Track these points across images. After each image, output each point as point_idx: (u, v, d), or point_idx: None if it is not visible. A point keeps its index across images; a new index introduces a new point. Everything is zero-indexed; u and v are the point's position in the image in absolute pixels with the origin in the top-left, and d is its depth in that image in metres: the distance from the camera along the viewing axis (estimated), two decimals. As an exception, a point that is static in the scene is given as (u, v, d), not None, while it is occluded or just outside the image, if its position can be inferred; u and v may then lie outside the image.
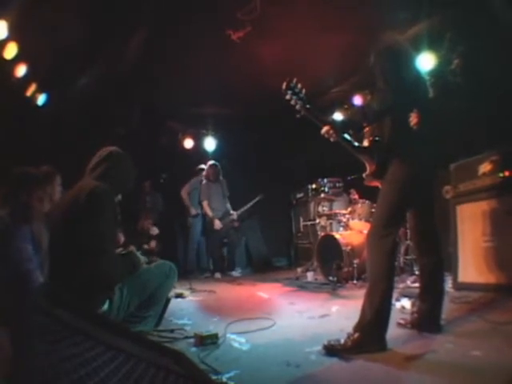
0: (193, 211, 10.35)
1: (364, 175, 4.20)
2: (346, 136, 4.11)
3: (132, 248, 3.98)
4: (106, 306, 3.50)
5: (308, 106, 4.01)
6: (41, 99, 7.99)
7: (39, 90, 7.88)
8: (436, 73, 6.78)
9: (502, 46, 5.97)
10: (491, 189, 5.40)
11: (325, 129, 4.03)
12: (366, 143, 4.19)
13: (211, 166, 10.15)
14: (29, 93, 7.69)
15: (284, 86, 4.00)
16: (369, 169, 4.14)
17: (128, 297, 3.64)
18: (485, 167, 5.49)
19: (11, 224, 3.90)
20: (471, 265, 5.57)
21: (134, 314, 3.73)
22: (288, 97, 4.01)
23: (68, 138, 7.98)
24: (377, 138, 4.07)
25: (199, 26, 6.94)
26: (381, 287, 3.66)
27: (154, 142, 10.44)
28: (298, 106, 4.00)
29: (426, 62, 7.10)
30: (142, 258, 3.96)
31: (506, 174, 5.23)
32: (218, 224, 9.82)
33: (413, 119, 3.88)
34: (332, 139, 4.05)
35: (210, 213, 9.92)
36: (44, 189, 4.25)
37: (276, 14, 6.74)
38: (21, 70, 7.15)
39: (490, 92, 6.17)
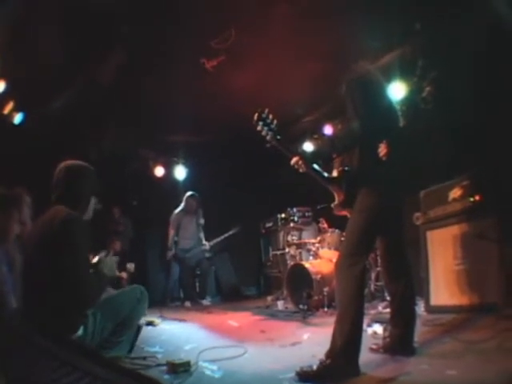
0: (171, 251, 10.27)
1: (333, 205, 4.26)
2: (315, 167, 4.16)
3: (101, 256, 3.94)
4: (80, 332, 3.46)
5: (278, 137, 4.06)
6: (17, 118, 7.81)
7: (16, 109, 7.72)
8: (407, 101, 6.88)
9: (473, 72, 6.10)
10: (462, 213, 5.51)
11: (294, 160, 4.09)
12: (335, 173, 4.24)
13: (193, 197, 10.13)
14: (6, 110, 7.54)
15: (255, 116, 4.05)
16: (337, 199, 4.21)
17: (101, 322, 3.61)
18: (455, 192, 5.62)
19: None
20: (443, 288, 5.65)
21: (107, 339, 3.68)
22: (259, 128, 4.04)
23: (41, 159, 7.86)
24: (346, 168, 4.13)
25: (173, 53, 6.96)
26: (351, 314, 3.68)
27: (124, 168, 10.39)
28: (268, 137, 4.05)
29: (397, 90, 7.19)
30: (113, 261, 3.95)
31: (477, 198, 5.34)
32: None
33: (382, 150, 3.95)
34: (301, 170, 4.11)
35: (181, 242, 9.92)
36: (17, 210, 4.23)
37: (249, 43, 6.79)
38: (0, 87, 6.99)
39: (460, 118, 6.30)
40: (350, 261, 3.79)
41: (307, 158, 4.11)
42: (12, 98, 7.46)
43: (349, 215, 4.10)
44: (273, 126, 4.03)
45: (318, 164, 4.18)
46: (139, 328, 4.21)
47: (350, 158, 4.08)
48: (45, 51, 6.24)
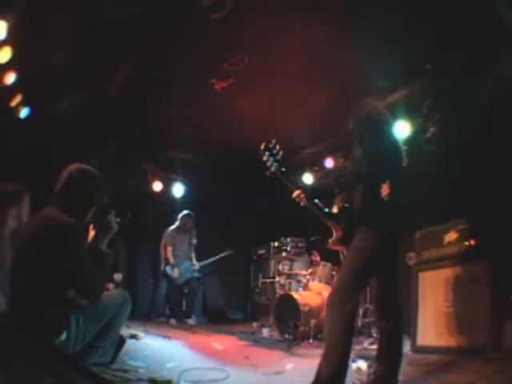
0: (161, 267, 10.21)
1: (330, 240, 4.27)
2: (316, 201, 4.18)
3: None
4: (64, 337, 3.43)
5: (283, 169, 4.10)
6: (24, 112, 7.65)
7: (24, 103, 7.57)
8: (411, 141, 6.92)
9: (478, 115, 6.17)
10: (456, 257, 5.54)
11: (296, 193, 4.13)
12: (335, 209, 4.26)
13: (189, 216, 10.16)
14: (13, 103, 7.41)
15: (262, 146, 4.10)
16: (335, 235, 4.22)
17: (84, 327, 3.58)
18: (451, 236, 5.65)
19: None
20: (431, 328, 5.64)
21: (90, 343, 3.65)
22: (265, 157, 4.09)
23: (43, 157, 7.81)
24: (346, 205, 4.15)
25: (184, 71, 7.01)
26: (339, 349, 3.69)
27: (123, 181, 10.36)
28: (273, 168, 4.09)
29: (401, 129, 7.21)
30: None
31: (472, 242, 5.38)
32: (176, 273, 9.75)
33: (384, 190, 3.97)
34: (302, 203, 4.14)
35: (171, 259, 9.84)
36: (14, 207, 4.21)
37: (260, 69, 6.86)
38: (10, 78, 6.85)
39: (462, 161, 6.35)
40: (342, 297, 3.81)
41: (309, 193, 4.14)
42: (21, 91, 7.34)
43: (345, 251, 4.12)
44: (278, 157, 4.08)
45: (318, 199, 4.21)
46: (123, 340, 4.18)
47: (351, 195, 4.11)
48: (58, 51, 6.22)
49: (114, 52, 6.67)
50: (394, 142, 4.23)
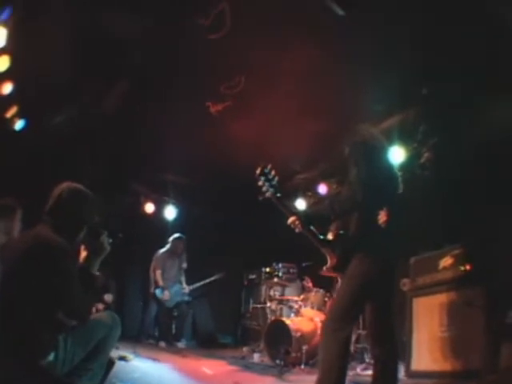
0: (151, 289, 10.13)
1: (324, 267, 4.24)
2: (311, 228, 4.17)
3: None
4: (51, 357, 3.36)
5: (278, 194, 4.11)
6: (19, 124, 7.49)
7: (19, 114, 7.42)
8: (405, 166, 6.93)
9: (473, 140, 6.20)
10: (450, 282, 5.53)
11: (291, 219, 4.13)
12: (330, 236, 4.25)
13: (180, 240, 10.12)
14: (9, 114, 7.27)
15: (258, 171, 4.11)
16: (330, 262, 4.21)
17: (73, 348, 3.49)
18: (446, 261, 5.65)
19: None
20: (426, 353, 5.62)
21: (78, 365, 3.57)
22: (261, 183, 4.10)
23: (36, 170, 7.73)
24: (341, 232, 4.14)
25: (179, 92, 7.01)
26: (333, 376, 3.67)
27: (114, 201, 10.30)
28: (268, 194, 4.10)
29: (396, 155, 7.20)
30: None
31: (467, 267, 5.37)
32: (166, 295, 9.68)
33: (382, 217, 3.96)
34: (297, 230, 4.13)
35: (161, 282, 9.77)
36: (5, 221, 4.16)
37: (256, 92, 6.86)
38: (7, 88, 6.70)
39: (457, 187, 6.37)
40: (337, 325, 3.80)
41: (304, 219, 4.13)
42: (17, 102, 7.23)
43: (339, 279, 4.10)
44: (274, 183, 4.10)
45: (313, 225, 4.19)
46: (112, 363, 4.10)
47: (347, 222, 4.10)
48: (56, 64, 6.19)
49: (111, 69, 6.66)
50: (389, 168, 4.24)
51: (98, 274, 3.79)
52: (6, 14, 5.74)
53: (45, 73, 6.32)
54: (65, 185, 3.78)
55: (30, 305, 3.30)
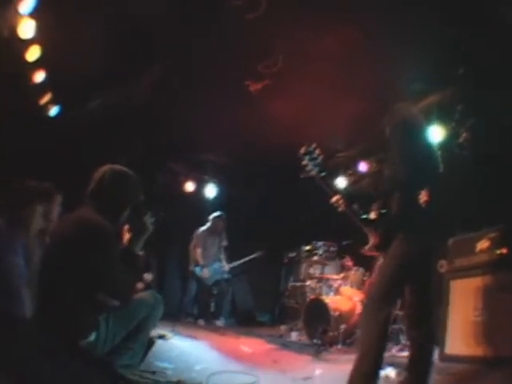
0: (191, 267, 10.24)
1: (366, 247, 4.23)
2: (354, 207, 4.16)
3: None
4: (92, 338, 3.44)
5: (323, 174, 4.08)
6: (53, 110, 7.62)
7: (53, 101, 7.53)
8: (443, 146, 6.83)
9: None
10: (487, 265, 5.42)
11: (335, 198, 4.12)
12: (372, 215, 4.22)
13: (220, 218, 10.19)
14: (43, 101, 7.36)
15: (302, 150, 4.10)
16: (372, 241, 4.19)
17: (114, 329, 3.57)
18: (482, 244, 5.54)
19: (7, 235, 3.90)
20: (459, 337, 5.55)
21: (119, 345, 3.65)
22: (305, 162, 4.08)
23: (73, 156, 7.84)
24: (383, 211, 4.11)
25: (217, 72, 7.03)
26: (371, 356, 3.67)
27: (154, 180, 10.40)
28: (313, 172, 4.08)
29: (435, 134, 7.10)
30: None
31: (504, 251, 5.27)
32: (206, 273, 9.79)
33: (423, 197, 3.92)
34: (340, 209, 4.12)
35: (200, 260, 9.88)
36: (43, 205, 4.23)
37: (294, 72, 6.84)
38: (39, 76, 6.81)
39: (495, 167, 6.27)
40: (378, 305, 3.80)
41: (347, 198, 4.11)
42: (50, 89, 7.32)
43: (381, 258, 4.08)
44: (319, 162, 4.08)
45: (355, 204, 4.18)
46: (152, 341, 4.18)
47: (388, 202, 4.07)
48: (87, 50, 6.23)
49: (146, 51, 6.69)
50: (429, 147, 4.18)
51: (140, 253, 3.85)
52: (32, 6, 5.79)
53: (76, 60, 6.35)
54: (106, 167, 3.83)
55: (72, 286, 3.39)
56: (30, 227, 4.10)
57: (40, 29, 6.06)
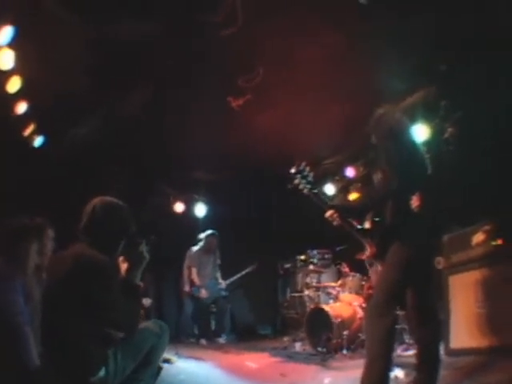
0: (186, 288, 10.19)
1: (364, 256, 4.30)
2: (349, 220, 4.20)
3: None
4: (102, 373, 3.40)
5: (315, 190, 4.14)
6: (38, 141, 7.54)
7: (37, 132, 7.46)
8: (429, 143, 6.88)
9: (497, 113, 6.14)
10: (485, 258, 5.51)
11: (329, 213, 4.14)
12: (367, 225, 4.27)
13: (214, 236, 10.12)
14: (26, 132, 7.29)
15: (293, 169, 4.17)
16: (369, 250, 4.27)
17: (123, 362, 3.52)
18: (478, 237, 5.62)
19: (5, 275, 3.87)
20: (463, 330, 5.63)
21: (130, 376, 3.61)
22: (297, 181, 4.14)
23: (60, 186, 7.80)
24: (377, 219, 4.15)
25: (200, 90, 7.04)
26: (380, 365, 3.71)
27: (144, 203, 10.36)
28: (305, 190, 4.14)
29: (420, 132, 7.14)
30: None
31: (499, 242, 5.37)
32: (203, 293, 9.73)
33: (415, 202, 3.97)
34: (335, 223, 4.15)
35: (197, 281, 9.83)
36: (37, 242, 4.21)
37: (276, 82, 6.86)
38: (21, 107, 6.76)
39: (483, 161, 6.32)
40: (381, 311, 3.83)
41: (341, 212, 4.15)
42: (33, 120, 7.27)
43: (380, 267, 4.12)
44: (310, 179, 4.13)
45: (349, 216, 4.23)
46: (160, 368, 4.14)
47: (382, 210, 4.11)
48: (70, 76, 6.24)
49: (130, 74, 6.70)
50: (417, 152, 4.22)
51: (140, 283, 3.81)
52: (11, 36, 5.78)
53: (58, 87, 6.35)
54: (97, 200, 3.75)
55: (77, 324, 3.33)
56: (26, 266, 4.07)
57: (19, 59, 6.02)
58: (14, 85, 6.36)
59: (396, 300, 3.95)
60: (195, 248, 10.19)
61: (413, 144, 4.22)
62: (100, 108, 7.38)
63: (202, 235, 10.24)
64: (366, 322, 3.96)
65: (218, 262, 10.26)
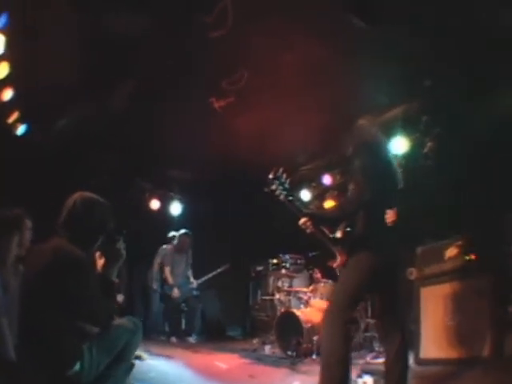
0: (154, 285, 10.19)
1: (335, 264, 4.34)
2: (322, 228, 4.26)
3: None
4: (77, 367, 3.41)
5: (291, 197, 4.19)
6: (21, 129, 7.45)
7: (21, 120, 7.39)
8: (407, 157, 6.98)
9: (477, 128, 6.26)
10: (457, 271, 5.60)
11: (303, 220, 4.19)
12: (338, 234, 4.33)
13: (187, 235, 10.13)
14: (10, 120, 7.23)
15: (271, 175, 4.20)
16: (340, 259, 4.28)
17: (98, 357, 3.54)
18: (451, 251, 5.71)
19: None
20: (433, 341, 5.71)
21: (103, 372, 3.63)
22: (274, 186, 4.18)
23: (41, 176, 7.72)
24: (348, 229, 4.22)
25: (184, 89, 7.04)
26: (338, 364, 3.75)
27: (121, 197, 10.30)
28: (281, 197, 4.18)
29: (399, 145, 7.29)
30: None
31: (472, 256, 5.46)
32: (176, 292, 9.73)
33: (390, 217, 4.05)
34: (308, 230, 4.20)
35: (170, 280, 9.83)
36: (18, 234, 4.20)
37: (258, 87, 6.91)
38: (7, 94, 6.68)
39: (460, 176, 6.43)
40: (342, 314, 3.89)
41: (315, 220, 4.20)
42: (18, 108, 7.21)
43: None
44: (286, 186, 4.17)
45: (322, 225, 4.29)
46: (132, 365, 4.16)
47: (354, 220, 4.17)
48: (57, 67, 6.18)
49: (115, 69, 6.68)
50: (390, 166, 4.31)
51: (116, 279, 3.83)
52: (3, 21, 5.74)
53: (45, 77, 6.30)
54: (77, 195, 3.76)
55: (53, 317, 3.36)
56: (7, 257, 4.07)
57: (10, 45, 5.99)
58: (1, 70, 6.30)
59: (352, 304, 4.04)
60: (166, 246, 10.20)
61: (386, 160, 4.30)
62: (86, 101, 7.33)
63: (175, 234, 10.27)
64: (324, 325, 3.99)
65: (190, 261, 10.27)
